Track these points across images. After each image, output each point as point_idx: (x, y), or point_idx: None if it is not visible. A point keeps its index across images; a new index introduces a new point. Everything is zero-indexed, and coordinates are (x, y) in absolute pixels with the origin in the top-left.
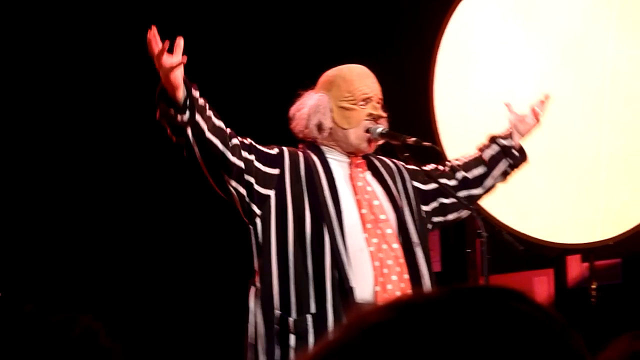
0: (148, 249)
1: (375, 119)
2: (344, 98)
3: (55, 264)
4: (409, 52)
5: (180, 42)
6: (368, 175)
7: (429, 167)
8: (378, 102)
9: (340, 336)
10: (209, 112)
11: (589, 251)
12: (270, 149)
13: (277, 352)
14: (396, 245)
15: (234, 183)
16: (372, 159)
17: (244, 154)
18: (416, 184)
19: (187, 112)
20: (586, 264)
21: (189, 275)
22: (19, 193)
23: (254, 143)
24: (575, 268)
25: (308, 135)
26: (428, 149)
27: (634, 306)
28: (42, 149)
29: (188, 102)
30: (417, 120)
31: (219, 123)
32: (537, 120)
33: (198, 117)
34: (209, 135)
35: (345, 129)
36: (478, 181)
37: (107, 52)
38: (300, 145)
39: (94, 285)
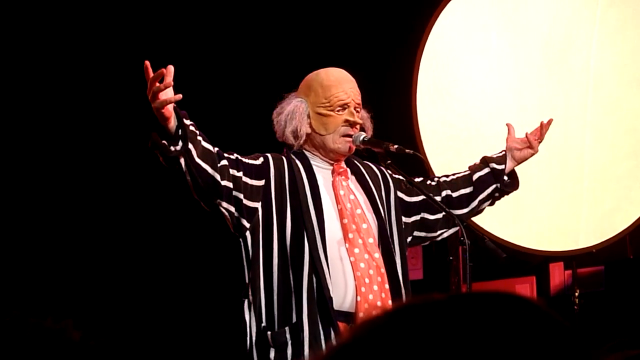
0: (142, 255)
1: (352, 125)
2: (321, 104)
3: (49, 271)
4: (392, 60)
5: (170, 70)
6: (351, 183)
7: (417, 180)
8: (356, 108)
9: (346, 338)
10: (199, 137)
11: (571, 259)
12: (255, 159)
13: None
14: (377, 255)
15: (224, 204)
16: (358, 164)
17: (232, 171)
18: (400, 194)
19: (180, 142)
20: (569, 272)
21: (184, 284)
22: (16, 195)
23: (239, 157)
24: (558, 275)
25: (286, 141)
26: (410, 156)
27: (617, 313)
28: (42, 152)
29: (180, 132)
30: (399, 127)
31: (208, 146)
32: (535, 149)
33: (190, 146)
34: (198, 161)
35: (322, 135)
36: (463, 201)
37: (106, 52)
38: (285, 150)
39: (90, 293)
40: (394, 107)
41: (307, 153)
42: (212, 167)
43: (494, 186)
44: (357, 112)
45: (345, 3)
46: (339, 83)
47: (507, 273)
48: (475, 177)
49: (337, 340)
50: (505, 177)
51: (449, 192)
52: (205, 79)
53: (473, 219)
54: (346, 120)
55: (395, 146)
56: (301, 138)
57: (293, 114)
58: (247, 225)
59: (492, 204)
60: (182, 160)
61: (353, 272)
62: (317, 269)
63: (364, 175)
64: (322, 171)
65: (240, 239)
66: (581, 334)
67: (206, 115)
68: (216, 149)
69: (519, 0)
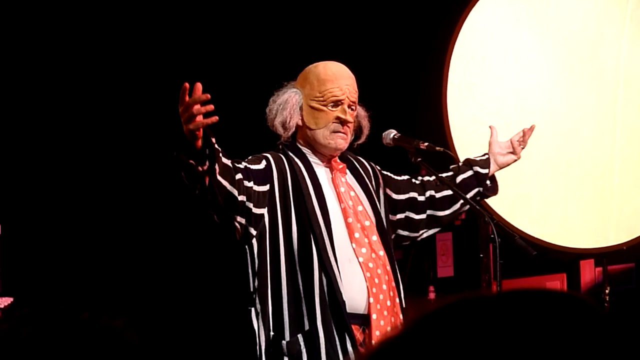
0: (147, 264)
1: (343, 123)
2: (314, 97)
3: (63, 269)
4: (422, 57)
5: (200, 88)
6: (349, 178)
7: (401, 177)
8: (350, 106)
9: (396, 333)
10: (220, 154)
11: (602, 256)
12: (258, 164)
13: None
14: (382, 252)
15: (239, 218)
16: (351, 158)
17: (245, 183)
18: (388, 191)
19: (207, 162)
20: (599, 269)
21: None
22: (26, 193)
23: (247, 165)
24: (589, 273)
25: (275, 130)
26: (440, 153)
27: None
28: (52, 153)
29: (208, 152)
30: (429, 125)
31: (226, 161)
32: (518, 155)
33: (215, 166)
34: (219, 178)
35: (312, 129)
36: (445, 202)
37: (107, 52)
38: (280, 146)
39: (96, 297)
40: (425, 104)
41: (302, 149)
42: (230, 184)
43: (476, 190)
44: (352, 110)
45: (376, 0)
46: (335, 78)
47: (538, 270)
48: (459, 179)
49: (385, 335)
50: (488, 181)
51: (432, 192)
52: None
53: (503, 216)
54: (337, 117)
55: (426, 144)
56: (290, 130)
57: (285, 104)
58: (254, 232)
59: (471, 207)
60: (206, 180)
61: (363, 273)
62: (328, 273)
63: (359, 169)
64: (321, 168)
65: (246, 247)
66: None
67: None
68: (230, 161)
69: None
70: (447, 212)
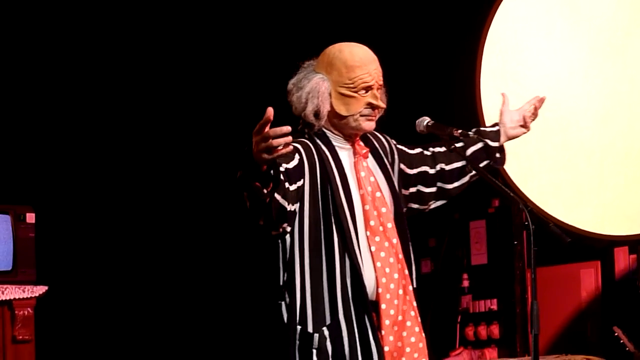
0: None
1: (374, 108)
2: (344, 84)
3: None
4: (456, 46)
5: (270, 112)
6: (370, 162)
7: (414, 150)
8: (379, 89)
9: None
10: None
11: (636, 243)
12: (293, 158)
13: None
14: (395, 240)
15: (286, 224)
16: (371, 137)
17: (288, 187)
18: (402, 166)
19: (271, 184)
20: (633, 256)
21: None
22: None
23: (286, 165)
24: (623, 260)
25: (305, 119)
26: (474, 140)
27: None
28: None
29: (273, 173)
30: (463, 112)
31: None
32: (528, 128)
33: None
34: (276, 195)
35: (343, 115)
36: (455, 175)
37: (108, 52)
38: (300, 126)
39: (128, 288)
40: (459, 91)
41: (327, 133)
42: (283, 197)
43: (485, 162)
44: (380, 92)
45: None
46: (363, 64)
47: (572, 258)
48: (469, 151)
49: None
50: (498, 154)
51: (443, 165)
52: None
53: (537, 203)
54: (369, 103)
55: (459, 130)
56: (323, 119)
57: (315, 92)
58: (288, 229)
59: (477, 178)
60: (267, 199)
61: (373, 262)
62: (353, 262)
63: (379, 150)
64: (344, 152)
65: (279, 241)
66: None
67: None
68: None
69: None
70: (455, 184)
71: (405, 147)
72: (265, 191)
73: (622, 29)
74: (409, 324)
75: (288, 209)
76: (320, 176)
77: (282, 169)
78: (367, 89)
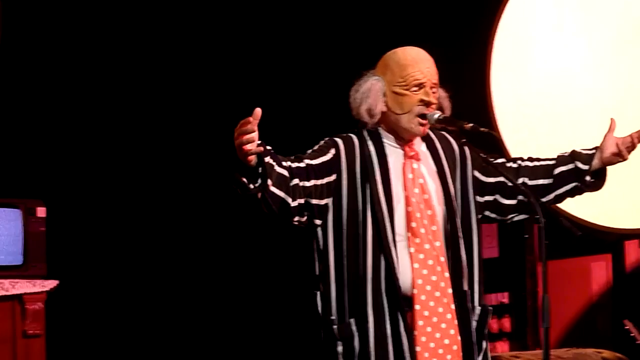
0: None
1: (427, 105)
2: (397, 83)
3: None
4: (466, 38)
5: (258, 113)
6: (422, 164)
7: (498, 160)
8: (432, 87)
9: None
10: (275, 167)
11: None
12: (325, 154)
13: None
14: (439, 243)
15: (296, 218)
16: (435, 139)
17: (302, 184)
18: (477, 173)
19: (259, 180)
20: None
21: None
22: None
23: (309, 162)
24: (633, 253)
25: (360, 118)
26: (485, 134)
27: None
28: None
29: (260, 170)
30: (474, 105)
31: (281, 171)
32: (625, 157)
33: (267, 181)
34: (272, 189)
35: (397, 114)
36: (538, 191)
37: (109, 51)
38: (359, 125)
39: (143, 282)
40: (469, 85)
41: (381, 132)
42: (285, 192)
43: (573, 184)
44: (434, 92)
45: None
46: (415, 62)
47: (583, 251)
48: (557, 170)
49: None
50: (588, 177)
51: (526, 180)
52: (280, 61)
53: None
54: (421, 100)
55: (470, 124)
56: (376, 116)
57: (369, 92)
58: (319, 222)
59: (573, 197)
60: (259, 195)
61: (411, 263)
62: (387, 258)
63: (439, 152)
64: (395, 152)
65: (312, 234)
66: None
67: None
68: (289, 164)
69: None
70: (540, 200)
71: (488, 155)
72: (252, 186)
73: (632, 23)
74: (443, 325)
75: (293, 205)
76: (361, 171)
77: (302, 164)
78: (420, 86)
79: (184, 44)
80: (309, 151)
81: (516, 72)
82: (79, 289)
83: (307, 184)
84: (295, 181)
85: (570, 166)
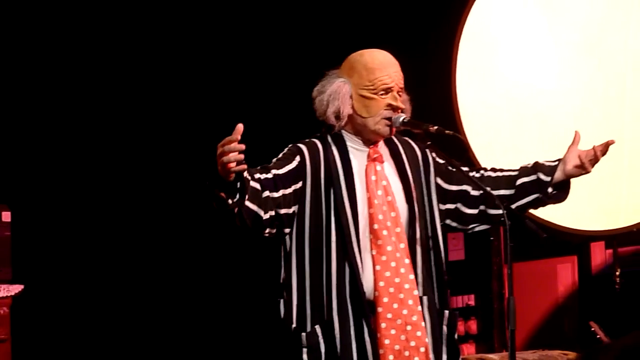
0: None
1: (394, 109)
2: (364, 87)
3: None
4: (431, 40)
5: (239, 129)
6: (386, 166)
7: (462, 169)
8: (399, 92)
9: None
10: (251, 182)
11: (612, 238)
12: (291, 161)
13: None
14: (403, 245)
15: (267, 230)
16: (398, 143)
17: (272, 195)
18: (439, 180)
19: (238, 195)
20: (610, 251)
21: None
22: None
23: (276, 172)
24: (599, 255)
25: (327, 121)
26: (450, 137)
27: None
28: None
29: (239, 185)
30: (439, 108)
31: (255, 185)
32: (589, 170)
33: (245, 196)
34: (247, 203)
35: (364, 117)
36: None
37: (108, 51)
38: (323, 129)
39: (109, 288)
40: (434, 87)
41: (345, 134)
42: (258, 205)
43: (535, 196)
44: (400, 96)
45: None
46: (383, 67)
47: (549, 253)
48: (519, 181)
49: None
50: (550, 189)
51: (488, 189)
52: (244, 63)
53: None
54: (389, 105)
55: (435, 127)
56: (343, 120)
57: (336, 94)
58: (287, 230)
59: (534, 208)
60: (236, 210)
61: (373, 265)
62: (351, 262)
63: (402, 156)
64: (358, 155)
65: (281, 242)
66: None
67: (244, 99)
68: (258, 176)
69: None
70: (500, 211)
71: (443, 156)
72: (230, 201)
73: (597, 24)
74: (409, 328)
75: (265, 218)
76: (325, 177)
77: (269, 175)
78: (387, 90)
79: (141, 42)
80: (274, 160)
81: (481, 74)
82: (45, 294)
83: (276, 194)
84: (266, 193)
85: (533, 177)
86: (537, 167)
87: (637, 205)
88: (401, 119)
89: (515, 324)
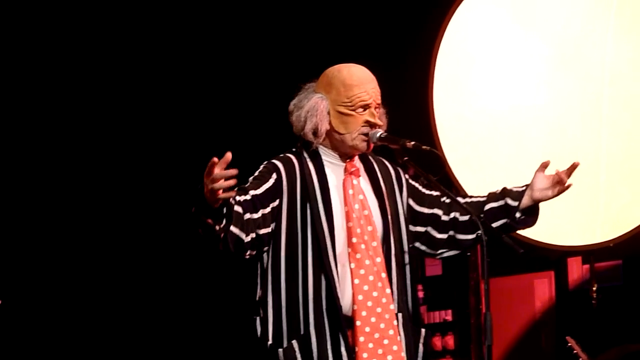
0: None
1: (372, 126)
2: (342, 103)
3: (56, 273)
4: (408, 55)
5: (228, 158)
6: (362, 181)
7: (431, 192)
8: (376, 108)
9: None
10: (235, 207)
11: (589, 253)
12: (267, 179)
13: None
14: (379, 259)
15: (249, 252)
16: (372, 161)
17: (251, 216)
18: (411, 201)
19: (224, 221)
20: (587, 266)
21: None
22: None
23: (254, 193)
24: (576, 270)
25: (304, 137)
26: (427, 152)
27: (635, 307)
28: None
29: (225, 211)
30: (416, 123)
31: (238, 209)
32: (552, 194)
33: (231, 221)
34: (231, 228)
35: (341, 133)
36: (469, 227)
37: (107, 52)
38: (298, 144)
39: (89, 301)
40: (411, 102)
41: (321, 149)
42: (240, 229)
43: (504, 221)
44: (377, 111)
45: None
46: (361, 83)
47: (526, 268)
48: (487, 207)
49: None
50: (519, 214)
51: (457, 215)
52: (218, 75)
53: None
54: (367, 121)
55: (412, 142)
56: (321, 137)
57: (313, 111)
58: (265, 248)
59: (502, 234)
60: (222, 235)
61: (351, 279)
62: (327, 276)
63: (377, 173)
64: (335, 169)
65: (258, 260)
66: None
67: (220, 110)
68: (238, 198)
69: None
70: (470, 236)
71: (421, 186)
72: (217, 228)
73: (574, 39)
74: (386, 342)
75: (246, 240)
76: (301, 192)
77: (248, 197)
78: (365, 107)
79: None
80: (250, 179)
81: (458, 89)
82: (22, 309)
83: (256, 215)
84: (247, 215)
85: (501, 203)
86: (504, 192)
87: (614, 220)
88: (378, 135)
89: (492, 340)
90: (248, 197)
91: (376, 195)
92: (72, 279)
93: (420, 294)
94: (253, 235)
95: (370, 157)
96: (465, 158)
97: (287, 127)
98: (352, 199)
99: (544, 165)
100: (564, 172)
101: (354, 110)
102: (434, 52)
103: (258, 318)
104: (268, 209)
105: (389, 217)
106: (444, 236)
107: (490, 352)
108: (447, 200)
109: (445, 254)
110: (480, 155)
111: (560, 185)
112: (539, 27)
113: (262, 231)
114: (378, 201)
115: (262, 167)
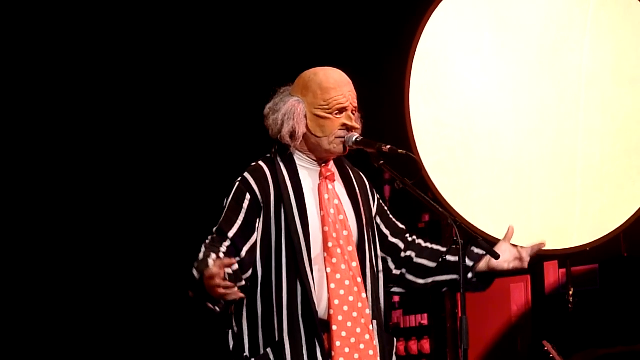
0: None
1: (349, 129)
2: (319, 106)
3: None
4: (384, 59)
5: (233, 263)
6: (337, 185)
7: (398, 223)
8: (353, 112)
9: None
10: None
11: (565, 257)
12: (242, 206)
13: None
14: (355, 264)
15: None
16: (348, 169)
17: (238, 259)
18: (378, 220)
19: (223, 302)
20: (563, 270)
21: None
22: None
23: (233, 232)
24: (553, 274)
25: (281, 140)
26: (403, 156)
27: (611, 311)
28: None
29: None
30: (392, 127)
31: (229, 271)
32: (509, 268)
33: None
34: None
35: (318, 137)
36: (420, 271)
37: (107, 52)
38: (273, 150)
39: (80, 308)
40: (387, 106)
41: (297, 154)
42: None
43: (454, 276)
44: (354, 115)
45: (338, 2)
46: (338, 86)
47: (502, 272)
48: (443, 257)
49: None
50: (471, 274)
51: (413, 254)
52: (195, 79)
53: (466, 217)
54: (344, 124)
55: (388, 146)
56: (298, 140)
57: (290, 114)
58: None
59: (452, 291)
60: (219, 309)
61: (327, 284)
62: (303, 281)
63: (352, 180)
64: (310, 173)
65: None
66: None
67: (197, 113)
68: (223, 250)
69: None
70: (419, 280)
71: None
72: (217, 308)
73: (550, 44)
74: (362, 346)
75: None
76: (275, 199)
77: (228, 243)
78: (342, 110)
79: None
80: (226, 208)
81: (435, 93)
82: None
83: (242, 254)
84: (235, 266)
85: (457, 258)
86: (465, 250)
87: (590, 224)
88: (354, 138)
89: (468, 344)
90: (228, 243)
91: (351, 200)
92: (72, 279)
93: (396, 298)
94: (242, 283)
95: (345, 165)
96: (441, 162)
97: (262, 131)
98: (327, 204)
99: (509, 236)
100: (527, 251)
101: (330, 113)
102: (411, 56)
103: (230, 332)
104: (252, 240)
105: (364, 222)
106: (397, 272)
107: (467, 356)
108: (409, 238)
109: (393, 289)
110: (457, 159)
111: (519, 262)
112: (516, 32)
113: (248, 263)
114: (353, 206)
115: (234, 188)
